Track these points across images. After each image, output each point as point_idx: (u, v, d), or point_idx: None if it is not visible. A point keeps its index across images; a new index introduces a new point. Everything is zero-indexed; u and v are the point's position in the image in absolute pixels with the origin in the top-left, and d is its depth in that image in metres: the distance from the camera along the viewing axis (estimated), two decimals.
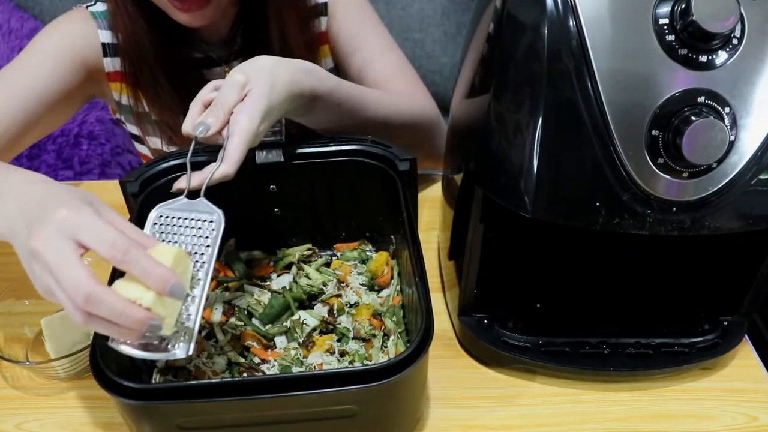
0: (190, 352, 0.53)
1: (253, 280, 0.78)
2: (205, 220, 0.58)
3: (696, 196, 0.56)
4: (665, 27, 0.53)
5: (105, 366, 0.54)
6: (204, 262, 0.57)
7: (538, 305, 0.76)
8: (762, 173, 0.56)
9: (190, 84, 0.91)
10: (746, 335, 0.75)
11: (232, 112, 0.63)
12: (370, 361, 0.69)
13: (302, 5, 0.93)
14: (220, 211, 0.59)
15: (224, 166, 0.61)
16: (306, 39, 0.94)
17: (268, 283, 0.78)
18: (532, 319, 0.74)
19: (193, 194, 0.60)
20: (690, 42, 0.53)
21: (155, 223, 0.59)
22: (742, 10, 0.53)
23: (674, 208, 0.57)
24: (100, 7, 0.91)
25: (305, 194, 0.78)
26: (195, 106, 0.65)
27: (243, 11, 0.93)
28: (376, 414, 0.59)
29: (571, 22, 0.53)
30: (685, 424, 0.68)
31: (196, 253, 0.57)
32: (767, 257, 0.65)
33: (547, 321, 0.74)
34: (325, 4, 0.98)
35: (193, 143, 0.63)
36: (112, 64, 0.92)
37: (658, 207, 0.57)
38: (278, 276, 0.79)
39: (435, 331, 0.57)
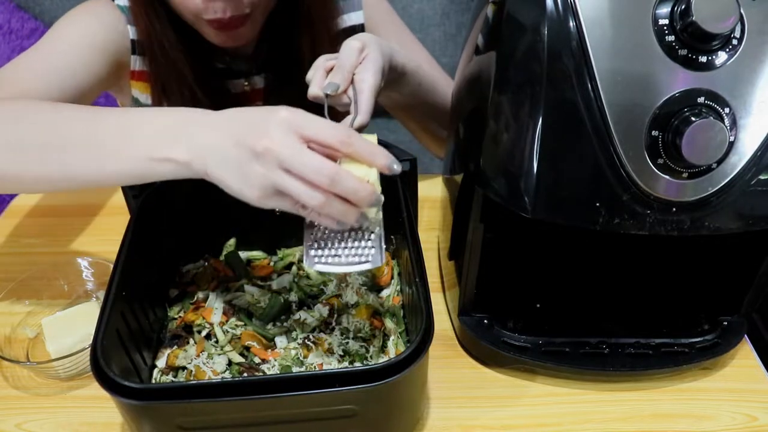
0: (383, 261, 0.60)
1: (253, 280, 0.78)
2: None
3: (696, 196, 0.56)
4: (665, 27, 0.53)
5: (105, 366, 0.54)
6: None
7: (538, 305, 0.76)
8: (762, 173, 0.56)
9: (213, 93, 0.93)
10: (746, 335, 0.75)
11: (354, 73, 0.70)
12: (370, 361, 0.69)
13: (335, 26, 0.94)
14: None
15: (360, 117, 0.67)
16: None
17: (268, 283, 0.78)
18: (532, 319, 0.74)
19: None
20: (690, 42, 0.53)
21: None
22: (742, 11, 0.53)
23: (674, 209, 0.57)
24: (125, 1, 0.88)
25: None
26: (317, 72, 0.71)
27: (270, 28, 0.93)
28: (376, 414, 0.59)
29: (571, 23, 0.54)
30: (685, 424, 0.68)
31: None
32: (767, 257, 0.66)
33: (547, 321, 0.74)
34: (362, 25, 0.99)
35: (326, 105, 0.68)
36: (137, 62, 0.91)
37: (658, 207, 0.57)
38: (278, 276, 0.79)
39: (435, 331, 0.57)
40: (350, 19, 0.98)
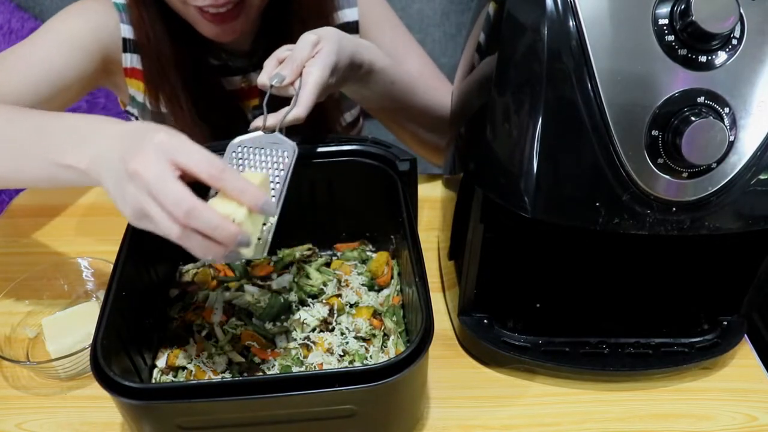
0: (264, 254, 0.60)
1: (253, 280, 0.78)
2: (278, 150, 0.65)
3: (695, 196, 0.56)
4: (665, 27, 0.53)
5: (105, 366, 0.54)
6: (279, 183, 0.63)
7: (538, 305, 0.76)
8: (761, 173, 0.56)
9: (207, 90, 0.92)
10: (745, 335, 0.75)
11: (304, 67, 0.70)
12: (370, 361, 0.69)
13: (329, 23, 0.94)
14: (293, 142, 0.65)
15: (296, 110, 0.68)
16: None
17: (268, 283, 0.78)
18: (532, 319, 0.74)
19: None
20: (689, 42, 0.53)
21: (233, 152, 0.65)
22: (742, 11, 0.53)
23: (674, 208, 0.57)
24: None
25: (305, 194, 0.78)
26: (270, 60, 0.72)
27: (266, 25, 0.93)
28: (376, 414, 0.59)
29: (571, 23, 0.54)
30: (685, 423, 0.68)
31: (271, 178, 0.64)
32: (767, 257, 0.66)
33: (547, 321, 0.74)
34: (356, 22, 0.98)
35: (268, 93, 0.69)
36: (131, 60, 0.91)
37: (658, 207, 0.57)
38: (278, 276, 0.79)
39: (435, 331, 0.57)
40: (345, 15, 0.98)
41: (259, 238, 0.59)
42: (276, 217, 0.62)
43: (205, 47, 0.92)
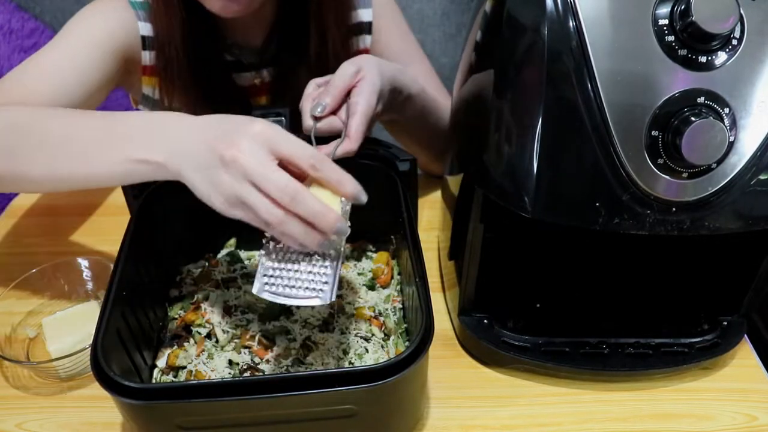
0: (333, 299, 0.58)
1: (253, 280, 0.78)
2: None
3: (695, 196, 0.56)
4: (665, 28, 0.53)
5: (105, 366, 0.54)
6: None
7: (538, 305, 0.76)
8: (761, 173, 0.56)
9: (219, 85, 0.92)
10: (745, 335, 0.75)
11: (347, 96, 0.69)
12: (370, 361, 0.69)
13: (345, 21, 0.94)
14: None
15: (348, 143, 0.67)
16: (346, 54, 0.95)
17: None
18: (532, 319, 0.74)
19: None
20: (689, 43, 0.53)
21: None
22: (742, 11, 0.53)
23: (674, 209, 0.57)
24: None
25: None
26: (309, 87, 0.71)
27: (281, 21, 0.93)
28: (376, 414, 0.59)
29: (571, 23, 0.54)
30: (685, 424, 0.68)
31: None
32: (767, 257, 0.66)
33: (547, 321, 0.74)
34: (370, 23, 0.98)
35: (314, 123, 0.68)
36: (150, 57, 0.90)
37: (658, 207, 0.57)
38: None
39: (435, 331, 0.57)
40: (359, 15, 0.98)
41: (328, 268, 0.59)
42: (342, 255, 0.60)
43: (219, 42, 0.92)
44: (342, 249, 0.59)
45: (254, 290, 0.59)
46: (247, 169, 0.52)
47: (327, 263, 0.59)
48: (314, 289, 0.59)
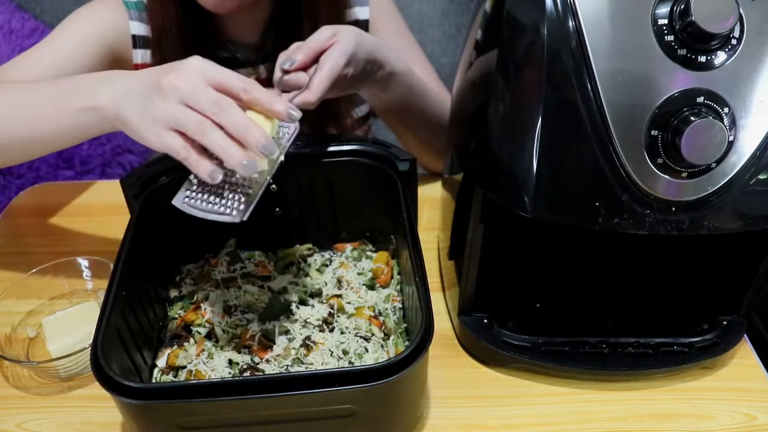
0: (245, 218, 0.60)
1: (253, 280, 0.78)
2: (280, 127, 0.65)
3: (695, 196, 0.56)
4: (664, 27, 0.53)
5: (105, 365, 0.54)
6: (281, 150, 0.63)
7: (538, 305, 0.76)
8: (761, 173, 0.56)
9: None
10: (745, 335, 0.75)
11: (319, 56, 0.71)
12: (370, 361, 0.69)
13: (339, 18, 0.94)
14: (297, 123, 0.64)
15: (307, 93, 0.69)
16: None
17: (268, 283, 0.78)
18: (532, 319, 0.74)
19: None
20: (689, 42, 0.53)
21: None
22: (741, 11, 0.53)
23: (673, 208, 0.57)
24: None
25: (306, 194, 0.79)
26: (290, 48, 0.73)
27: (276, 18, 0.93)
28: (376, 414, 0.59)
29: (571, 23, 0.54)
30: (685, 423, 0.68)
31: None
32: (766, 257, 0.66)
33: (547, 321, 0.74)
34: (367, 21, 0.99)
35: (282, 76, 0.71)
36: (141, 56, 0.92)
37: (658, 207, 0.57)
38: (278, 276, 0.79)
39: (435, 331, 0.57)
40: (355, 13, 0.98)
41: (250, 195, 0.61)
42: (265, 182, 0.61)
43: (215, 39, 0.93)
44: (267, 179, 0.61)
45: (174, 201, 0.61)
46: (181, 90, 0.56)
47: (250, 188, 0.61)
48: (230, 206, 0.60)
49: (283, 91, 0.70)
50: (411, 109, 0.90)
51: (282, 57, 0.72)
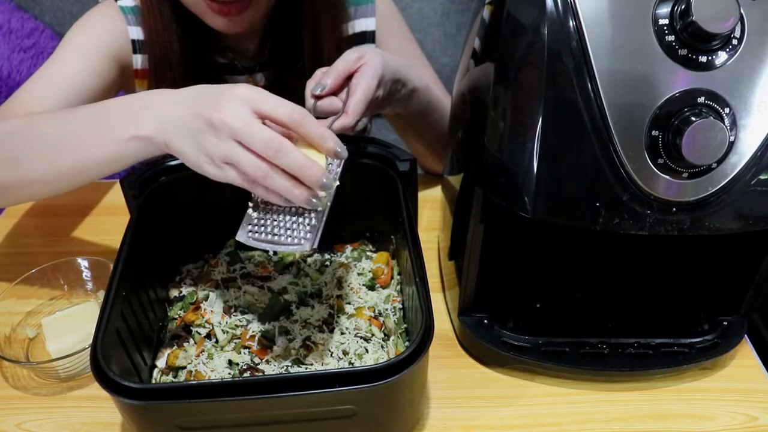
0: (315, 245, 0.59)
1: (253, 280, 0.78)
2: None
3: (696, 196, 0.56)
4: (665, 27, 0.53)
5: (105, 366, 0.54)
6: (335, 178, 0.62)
7: (538, 305, 0.76)
8: (762, 173, 0.56)
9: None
10: (746, 335, 0.75)
11: (348, 80, 0.71)
12: (370, 361, 0.69)
13: (339, 28, 0.94)
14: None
15: (345, 118, 0.68)
16: None
17: (268, 283, 0.78)
18: (532, 319, 0.74)
19: None
20: (690, 42, 0.53)
21: None
22: (742, 11, 0.53)
23: (674, 209, 0.57)
24: (129, 1, 0.90)
25: None
26: (316, 74, 0.73)
27: (275, 26, 0.93)
28: (376, 414, 0.59)
29: (571, 23, 0.54)
30: (685, 423, 0.68)
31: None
32: (767, 257, 0.66)
33: (547, 321, 0.74)
34: (374, 32, 0.99)
35: (314, 102, 0.70)
36: (141, 61, 0.91)
37: (658, 207, 0.57)
38: (278, 276, 0.79)
39: (435, 331, 0.57)
40: (360, 25, 0.98)
41: (313, 221, 0.61)
42: (327, 209, 0.61)
43: (213, 46, 0.93)
44: (328, 205, 0.61)
45: (237, 237, 0.61)
46: (232, 128, 0.54)
47: (312, 215, 0.61)
48: (297, 236, 0.60)
49: (317, 117, 0.68)
50: (427, 123, 0.91)
51: (311, 83, 0.72)
